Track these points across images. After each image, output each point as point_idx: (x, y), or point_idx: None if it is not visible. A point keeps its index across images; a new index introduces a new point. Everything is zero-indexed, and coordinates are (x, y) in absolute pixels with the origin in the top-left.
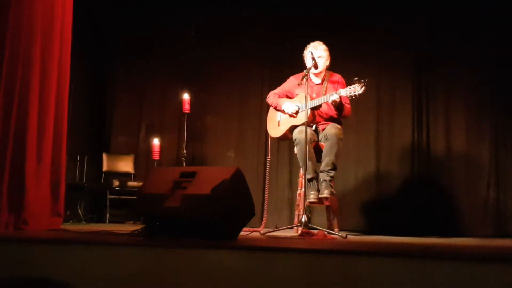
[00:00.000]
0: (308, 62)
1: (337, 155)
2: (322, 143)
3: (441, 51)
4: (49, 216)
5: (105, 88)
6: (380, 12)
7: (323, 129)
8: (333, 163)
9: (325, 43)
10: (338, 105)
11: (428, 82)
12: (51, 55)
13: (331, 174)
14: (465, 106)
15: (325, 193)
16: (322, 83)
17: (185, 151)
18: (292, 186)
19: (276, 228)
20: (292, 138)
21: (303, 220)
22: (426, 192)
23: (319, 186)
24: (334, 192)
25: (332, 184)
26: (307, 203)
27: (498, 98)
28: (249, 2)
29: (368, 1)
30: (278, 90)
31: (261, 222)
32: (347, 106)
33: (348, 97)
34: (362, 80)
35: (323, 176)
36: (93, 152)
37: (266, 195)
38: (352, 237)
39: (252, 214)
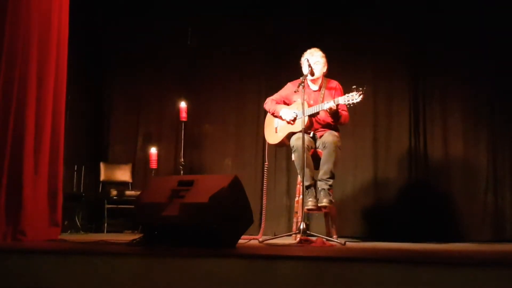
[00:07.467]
0: (305, 69)
1: (335, 163)
2: (320, 150)
3: (437, 58)
4: (47, 226)
5: (102, 97)
6: (377, 20)
7: (321, 136)
8: (331, 172)
9: (322, 49)
10: (334, 113)
11: (425, 88)
12: (47, 66)
13: (330, 183)
14: (462, 112)
15: (324, 202)
16: (319, 89)
17: (182, 159)
18: (290, 193)
19: (275, 235)
20: (289, 145)
21: (301, 227)
22: (424, 198)
23: (318, 194)
24: (333, 200)
25: (330, 193)
26: (305, 210)
27: (495, 104)
28: (246, 9)
29: (366, 9)
30: (276, 96)
31: (260, 229)
32: (345, 113)
33: (346, 105)
34: (360, 88)
35: (321, 185)
36: (90, 162)
37: (264, 202)
38: (350, 244)
39: (251, 221)
